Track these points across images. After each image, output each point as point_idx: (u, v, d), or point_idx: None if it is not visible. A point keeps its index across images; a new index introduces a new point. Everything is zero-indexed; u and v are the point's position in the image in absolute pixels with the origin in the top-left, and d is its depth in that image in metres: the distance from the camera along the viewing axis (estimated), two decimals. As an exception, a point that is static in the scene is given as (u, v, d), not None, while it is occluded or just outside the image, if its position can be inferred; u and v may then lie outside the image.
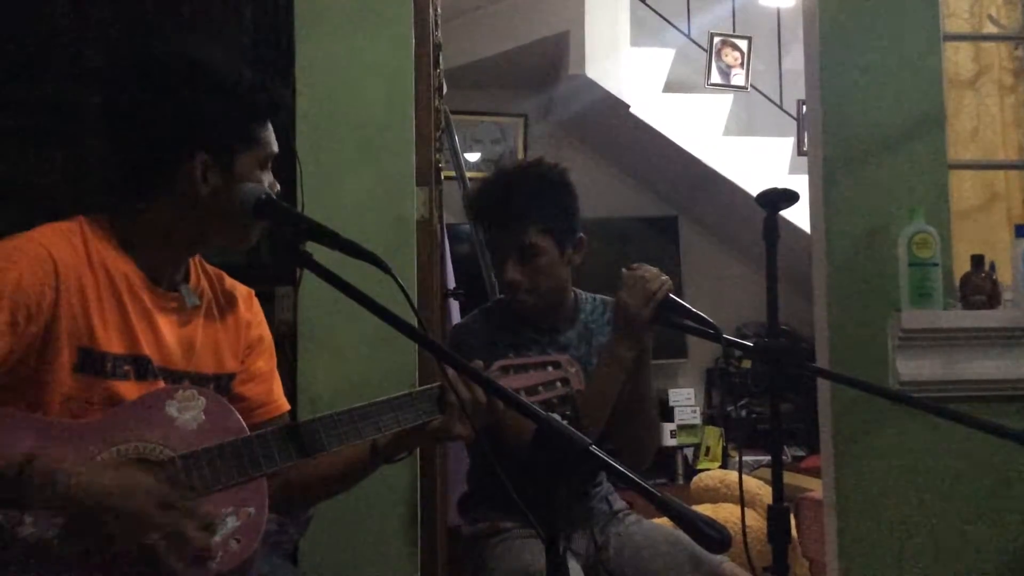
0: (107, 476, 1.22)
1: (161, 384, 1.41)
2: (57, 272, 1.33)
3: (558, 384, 1.59)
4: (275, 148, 1.49)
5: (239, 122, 1.44)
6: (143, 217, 1.44)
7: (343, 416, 1.42)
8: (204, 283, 1.54)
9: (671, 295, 1.86)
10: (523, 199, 2.01)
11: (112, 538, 1.20)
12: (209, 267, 1.58)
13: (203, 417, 1.37)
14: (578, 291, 2.17)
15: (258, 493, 1.34)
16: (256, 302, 1.63)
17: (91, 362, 1.35)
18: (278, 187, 1.49)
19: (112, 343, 1.37)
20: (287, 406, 1.62)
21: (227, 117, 1.44)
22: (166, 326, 1.44)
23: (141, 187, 1.45)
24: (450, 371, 1.46)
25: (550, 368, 1.60)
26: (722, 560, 2.02)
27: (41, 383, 1.32)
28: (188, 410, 1.37)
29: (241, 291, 1.61)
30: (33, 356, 1.31)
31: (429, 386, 1.50)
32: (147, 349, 1.40)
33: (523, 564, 1.89)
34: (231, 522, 1.30)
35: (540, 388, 1.57)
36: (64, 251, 1.36)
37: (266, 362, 1.61)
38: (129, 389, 1.37)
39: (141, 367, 1.39)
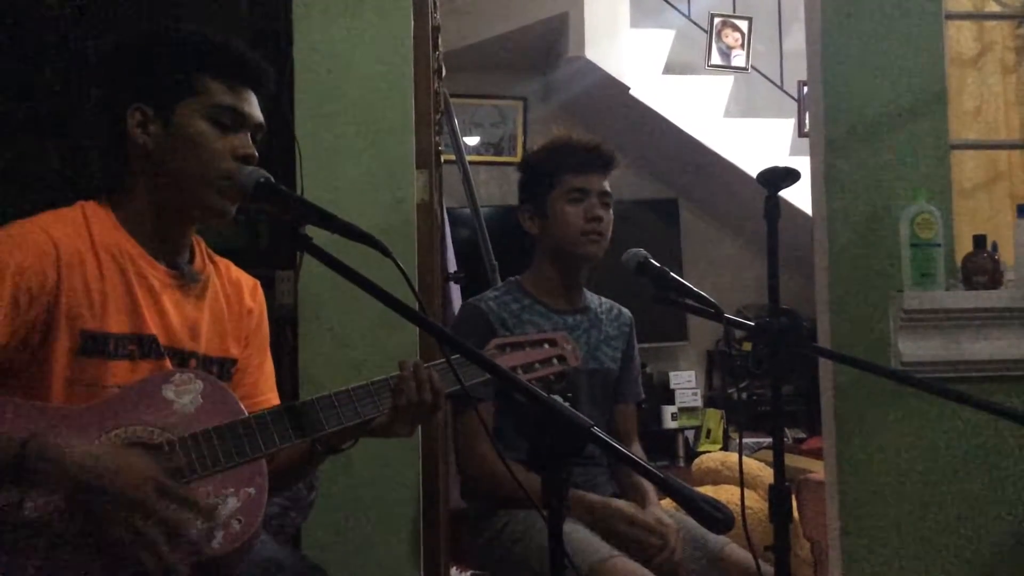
0: (105, 458, 1.21)
1: (167, 363, 1.41)
2: (58, 256, 1.34)
3: (555, 361, 1.59)
4: (229, 102, 1.43)
5: (173, 70, 1.42)
6: (131, 191, 1.44)
7: (341, 396, 1.42)
8: (210, 268, 1.54)
9: (672, 274, 1.86)
10: (611, 150, 2.16)
11: (106, 520, 1.19)
12: (217, 256, 1.58)
13: (201, 400, 1.37)
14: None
15: (258, 474, 1.34)
16: (260, 293, 1.63)
17: (93, 344, 1.35)
18: (251, 151, 1.44)
19: (115, 324, 1.37)
20: (275, 401, 1.59)
21: (159, 65, 1.43)
22: (171, 304, 1.44)
23: (114, 152, 1.44)
24: (403, 372, 1.43)
25: (546, 346, 1.60)
26: (726, 543, 2.03)
27: (43, 366, 1.33)
28: (186, 393, 1.37)
29: (247, 280, 1.61)
30: (35, 339, 1.32)
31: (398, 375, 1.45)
32: (153, 328, 1.41)
33: (536, 543, 1.90)
34: (232, 503, 1.30)
35: (537, 365, 1.57)
36: (66, 235, 1.36)
37: (258, 355, 1.60)
38: (133, 369, 1.38)
39: (146, 346, 1.40)
